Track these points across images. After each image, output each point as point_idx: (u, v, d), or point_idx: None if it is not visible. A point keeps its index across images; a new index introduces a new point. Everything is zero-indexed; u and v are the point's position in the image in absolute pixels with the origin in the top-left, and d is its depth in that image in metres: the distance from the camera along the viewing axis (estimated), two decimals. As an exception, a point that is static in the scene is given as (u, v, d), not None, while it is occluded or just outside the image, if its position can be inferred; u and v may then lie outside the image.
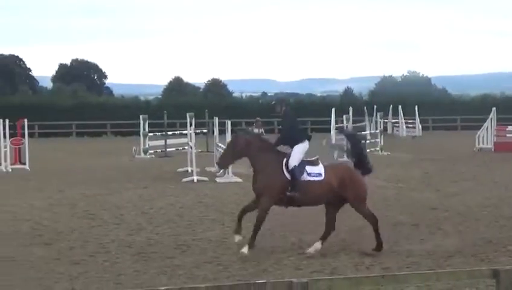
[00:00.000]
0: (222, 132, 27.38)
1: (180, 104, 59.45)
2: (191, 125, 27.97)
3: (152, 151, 37.94)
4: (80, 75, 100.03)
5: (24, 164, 30.15)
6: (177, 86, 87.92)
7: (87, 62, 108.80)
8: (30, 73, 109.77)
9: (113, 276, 11.77)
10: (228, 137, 25.37)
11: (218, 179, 25.20)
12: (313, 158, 13.65)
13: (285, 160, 13.20)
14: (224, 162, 14.04)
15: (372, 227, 13.57)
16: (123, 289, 10.92)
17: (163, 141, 38.67)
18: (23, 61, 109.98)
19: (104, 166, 31.70)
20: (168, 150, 37.97)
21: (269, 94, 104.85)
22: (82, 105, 64.85)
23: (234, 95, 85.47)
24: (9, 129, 30.46)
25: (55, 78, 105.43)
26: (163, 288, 7.02)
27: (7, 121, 30.33)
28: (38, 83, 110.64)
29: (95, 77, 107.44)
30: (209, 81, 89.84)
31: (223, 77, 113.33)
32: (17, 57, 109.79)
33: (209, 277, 11.65)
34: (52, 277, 11.68)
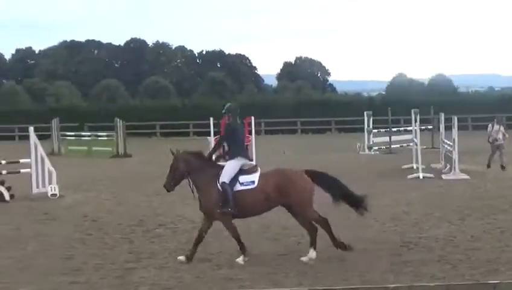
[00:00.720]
0: (448, 128, 26.77)
1: (404, 100, 58.88)
2: (415, 121, 27.59)
3: (376, 148, 37.83)
4: (304, 73, 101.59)
5: (251, 160, 30.91)
6: (400, 81, 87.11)
7: (311, 60, 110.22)
8: (256, 71, 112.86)
9: (340, 272, 11.78)
10: (455, 133, 24.81)
11: (444, 176, 24.70)
12: (251, 166, 13.20)
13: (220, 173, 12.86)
14: (168, 185, 13.25)
15: (325, 230, 12.92)
16: (350, 285, 10.87)
17: (388, 138, 38.45)
18: (249, 60, 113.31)
19: (328, 162, 31.92)
20: (392, 146, 37.72)
21: (496, 89, 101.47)
22: (306, 102, 65.74)
23: (459, 90, 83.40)
24: (238, 127, 31.37)
25: (280, 76, 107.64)
26: (392, 286, 6.94)
27: (235, 118, 31.27)
28: (263, 81, 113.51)
29: (319, 74, 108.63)
30: (433, 76, 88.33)
31: (448, 72, 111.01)
32: (244, 56, 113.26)
33: (437, 275, 11.40)
34: (281, 272, 11.85)
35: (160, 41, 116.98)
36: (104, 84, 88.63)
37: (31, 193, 21.96)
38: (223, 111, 13.74)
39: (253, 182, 12.82)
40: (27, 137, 23.56)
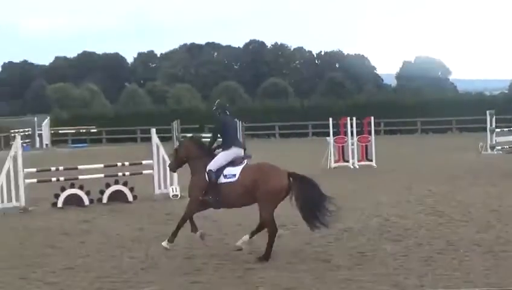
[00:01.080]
0: None
1: (528, 98, 57.26)
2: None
3: (499, 148, 36.95)
4: (424, 72, 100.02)
5: (371, 160, 30.73)
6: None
7: (431, 58, 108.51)
8: (375, 71, 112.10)
9: (462, 274, 11.55)
10: None
11: None
12: (239, 158, 13.65)
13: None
14: (172, 167, 15.09)
15: (268, 235, 13.04)
16: (473, 287, 10.67)
17: (511, 137, 37.49)
18: (368, 60, 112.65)
19: (449, 162, 31.45)
20: (516, 146, 36.75)
21: None
22: (426, 102, 64.79)
23: None
24: (356, 127, 31.22)
25: (399, 75, 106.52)
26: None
27: (354, 119, 31.13)
28: (382, 80, 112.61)
29: (439, 73, 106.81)
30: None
31: None
32: (362, 56, 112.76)
33: None
34: (401, 273, 11.71)
35: (279, 43, 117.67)
36: (224, 86, 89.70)
37: (153, 193, 22.43)
38: (214, 107, 14.37)
39: (234, 175, 13.33)
40: (149, 139, 24.08)
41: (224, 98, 15.69)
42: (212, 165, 13.49)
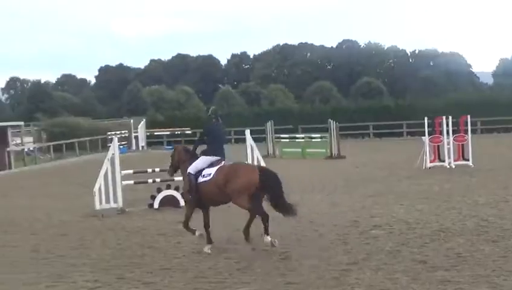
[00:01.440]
0: None
1: None
2: None
3: None
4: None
5: (467, 160, 30.22)
6: None
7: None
8: (470, 69, 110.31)
9: None
10: None
11: None
12: (218, 160, 14.57)
13: None
14: (169, 172, 15.94)
15: (249, 218, 14.44)
16: None
17: None
18: (464, 58, 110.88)
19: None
20: None
21: None
22: (524, 99, 63.44)
23: None
24: (452, 126, 30.75)
25: (496, 73, 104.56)
26: None
27: (450, 118, 30.66)
28: (478, 79, 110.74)
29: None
30: None
31: None
32: (457, 54, 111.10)
33: None
34: (500, 275, 11.46)
35: (372, 42, 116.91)
36: (317, 86, 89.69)
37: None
38: (208, 114, 15.20)
39: (210, 174, 14.33)
40: (243, 140, 24.17)
41: (218, 106, 16.85)
42: (192, 168, 14.57)
